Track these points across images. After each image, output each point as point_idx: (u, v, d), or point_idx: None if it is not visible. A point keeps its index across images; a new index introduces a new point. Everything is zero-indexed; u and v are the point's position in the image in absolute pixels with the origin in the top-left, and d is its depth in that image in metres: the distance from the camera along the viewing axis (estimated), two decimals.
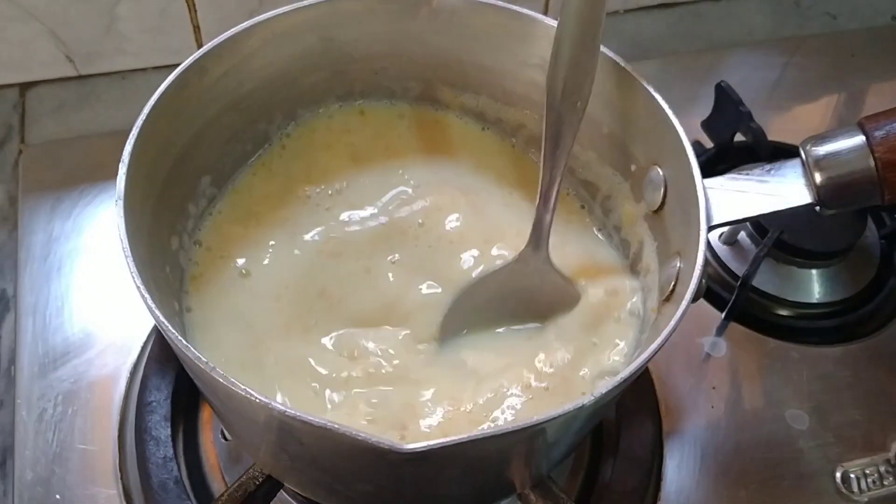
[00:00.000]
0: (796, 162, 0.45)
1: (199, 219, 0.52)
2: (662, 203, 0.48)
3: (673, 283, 0.45)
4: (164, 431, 0.56)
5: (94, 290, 0.64)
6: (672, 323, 0.40)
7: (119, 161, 0.66)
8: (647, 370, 0.62)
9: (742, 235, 0.69)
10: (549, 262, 0.49)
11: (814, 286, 0.68)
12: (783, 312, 0.67)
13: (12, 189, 0.71)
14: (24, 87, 0.77)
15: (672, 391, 0.63)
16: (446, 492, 0.43)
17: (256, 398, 0.36)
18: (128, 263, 0.40)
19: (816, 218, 0.65)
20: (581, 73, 0.47)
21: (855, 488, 0.59)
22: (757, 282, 0.66)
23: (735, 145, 0.74)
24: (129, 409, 0.59)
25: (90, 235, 0.67)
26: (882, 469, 0.60)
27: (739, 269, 0.67)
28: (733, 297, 0.65)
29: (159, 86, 0.46)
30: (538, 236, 0.49)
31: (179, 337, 0.38)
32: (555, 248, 0.50)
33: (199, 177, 0.51)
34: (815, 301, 0.67)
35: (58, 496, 0.55)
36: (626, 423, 0.59)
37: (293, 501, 0.55)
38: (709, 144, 0.75)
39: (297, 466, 0.43)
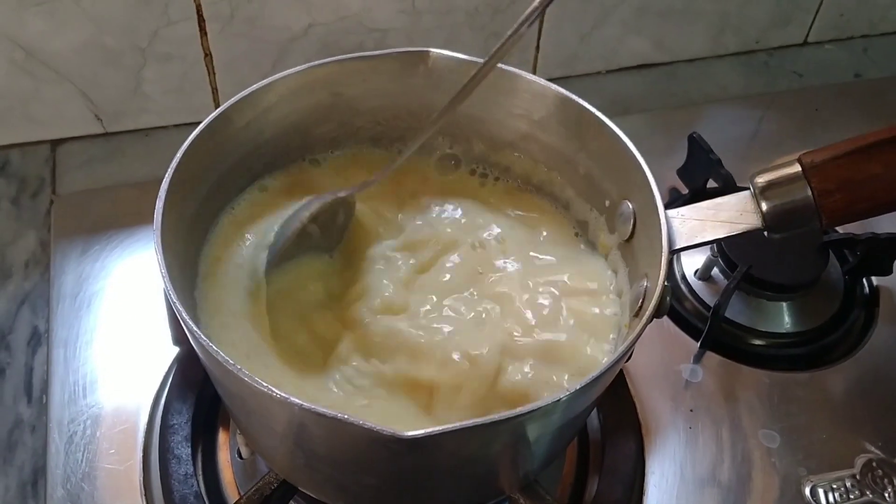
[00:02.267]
0: (746, 193, 0.51)
1: None
2: (632, 233, 0.54)
3: (641, 300, 0.51)
4: (185, 451, 0.62)
5: (121, 326, 0.70)
6: (637, 328, 0.46)
7: (142, 209, 0.74)
8: (629, 393, 0.67)
9: (715, 271, 0.75)
10: None
11: (783, 317, 0.73)
12: (755, 342, 0.73)
13: (44, 236, 0.77)
14: (56, 143, 0.83)
15: (653, 413, 0.68)
16: (441, 485, 0.48)
17: (277, 394, 0.41)
18: (165, 283, 0.46)
19: (783, 253, 0.72)
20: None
21: (823, 501, 0.64)
22: (730, 314, 0.72)
23: (708, 190, 0.81)
24: (153, 431, 0.64)
25: (117, 276, 0.73)
26: (848, 484, 0.65)
27: (713, 301, 0.72)
28: (707, 326, 0.70)
29: (181, 141, 0.52)
30: None
31: (211, 344, 0.43)
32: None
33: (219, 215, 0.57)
34: (784, 331, 0.73)
35: None
36: (610, 441, 0.64)
37: None
38: (684, 191, 0.81)
39: (309, 464, 0.48)
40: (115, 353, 0.68)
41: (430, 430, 0.40)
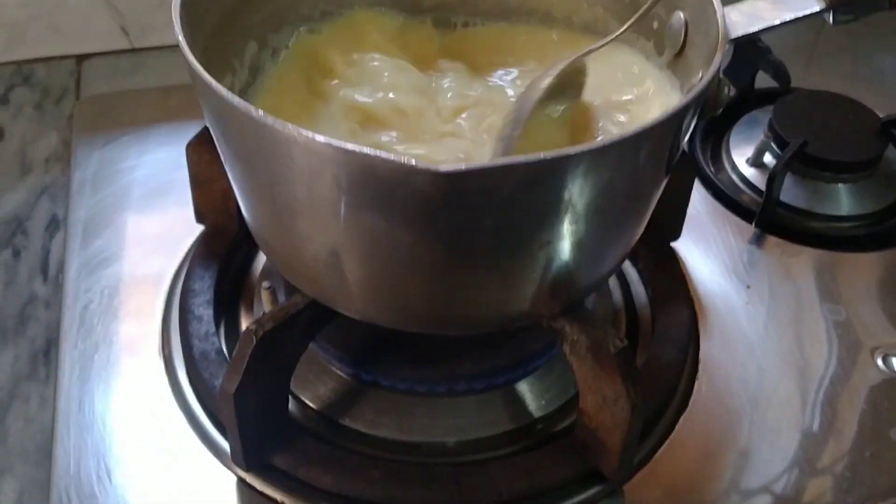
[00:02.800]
0: None
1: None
2: (683, 43, 0.51)
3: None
4: (206, 312, 0.58)
5: (142, 210, 0.67)
6: (699, 86, 0.41)
7: (167, 109, 0.71)
8: (679, 269, 0.63)
9: (767, 157, 0.71)
10: None
11: (842, 200, 0.69)
12: (814, 224, 0.68)
13: (67, 136, 0.75)
14: (81, 58, 0.82)
15: (706, 288, 0.63)
16: (480, 238, 0.42)
17: (302, 134, 0.37)
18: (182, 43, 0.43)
19: (838, 133, 0.68)
20: None
21: None
22: (787, 198, 0.68)
23: (756, 92, 0.77)
24: (174, 298, 0.60)
25: (139, 167, 0.70)
26: None
27: None
28: (762, 203, 0.66)
29: None
30: None
31: (225, 90, 0.40)
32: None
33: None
34: (844, 214, 0.68)
35: (101, 371, 0.56)
36: (661, 311, 0.60)
37: (331, 362, 0.55)
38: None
39: (339, 250, 0.43)
40: (135, 233, 0.65)
41: (468, 165, 0.36)
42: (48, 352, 0.59)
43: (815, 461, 0.54)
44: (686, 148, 0.62)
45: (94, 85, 0.79)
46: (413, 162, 0.36)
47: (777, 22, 0.47)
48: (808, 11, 0.47)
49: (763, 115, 0.74)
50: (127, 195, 0.68)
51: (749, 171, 0.71)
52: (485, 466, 0.50)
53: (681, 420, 0.55)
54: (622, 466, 0.50)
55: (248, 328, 0.46)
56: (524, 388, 0.55)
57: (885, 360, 0.59)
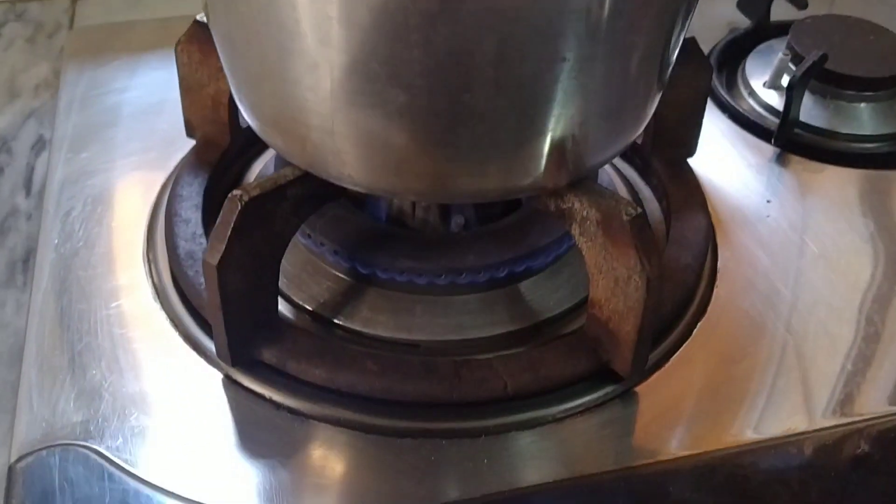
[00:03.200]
0: None
1: None
2: None
3: None
4: (194, 216, 0.54)
5: (130, 129, 0.64)
6: None
7: (163, 40, 0.68)
8: (695, 179, 0.59)
9: (785, 78, 0.68)
10: None
11: (864, 119, 0.65)
12: (836, 144, 0.65)
13: (58, 67, 0.72)
14: None
15: (724, 202, 0.60)
16: (483, 64, 0.39)
17: None
18: None
19: (858, 49, 0.65)
20: None
21: None
22: (808, 118, 0.65)
23: (772, 23, 0.74)
24: (161, 206, 0.57)
25: (130, 91, 0.67)
26: None
27: None
28: (782, 116, 0.63)
29: None
30: None
31: None
32: None
33: None
34: (868, 133, 0.65)
35: (80, 273, 0.53)
36: (675, 218, 0.56)
37: (325, 258, 0.52)
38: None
39: (334, 88, 0.40)
40: (123, 148, 0.62)
41: None
42: (27, 260, 0.56)
43: (837, 370, 0.50)
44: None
45: (88, 21, 0.77)
46: None
47: None
48: None
49: (779, 45, 0.71)
50: (117, 114, 0.65)
51: (767, 94, 0.68)
52: (487, 360, 0.47)
53: (698, 326, 0.52)
54: (636, 362, 0.47)
55: (232, 194, 0.43)
56: (531, 287, 0.52)
57: None
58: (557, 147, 0.43)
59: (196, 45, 0.56)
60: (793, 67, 0.67)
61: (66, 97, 0.66)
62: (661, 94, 0.47)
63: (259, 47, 0.41)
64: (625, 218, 0.43)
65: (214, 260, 0.43)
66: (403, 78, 0.38)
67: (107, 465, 0.43)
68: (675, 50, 0.45)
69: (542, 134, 0.42)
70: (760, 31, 0.74)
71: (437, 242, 0.51)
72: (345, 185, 0.44)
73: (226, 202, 0.43)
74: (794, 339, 0.51)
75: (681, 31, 0.44)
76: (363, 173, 0.43)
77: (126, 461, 0.43)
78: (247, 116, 0.47)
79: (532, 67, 0.38)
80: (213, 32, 0.46)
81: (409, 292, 0.50)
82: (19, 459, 0.43)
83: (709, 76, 0.59)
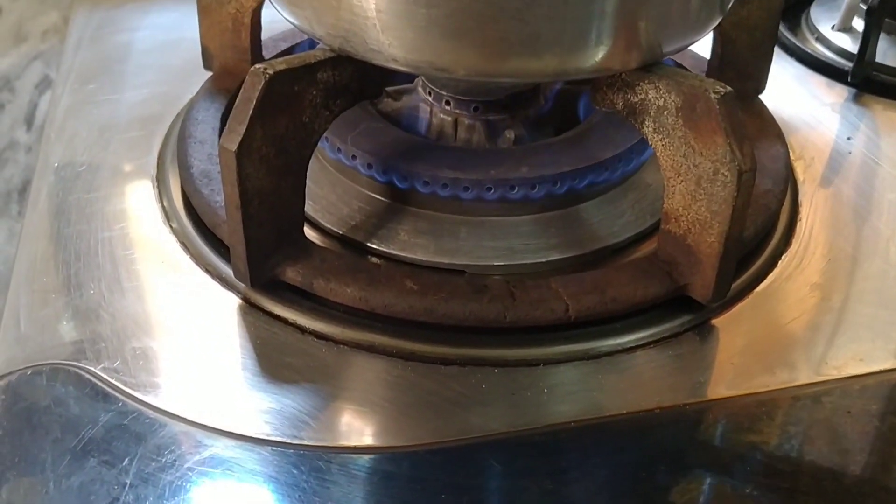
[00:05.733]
0: None
1: None
2: None
3: None
4: (211, 138, 0.49)
5: (142, 63, 0.59)
6: None
7: None
8: (767, 111, 0.53)
9: (856, 20, 0.62)
10: None
11: None
12: None
13: (67, 14, 0.67)
14: None
15: (802, 137, 0.54)
16: None
17: None
18: None
19: None
20: None
21: None
22: (881, 58, 0.59)
23: None
24: (173, 134, 0.52)
25: (140, 33, 0.62)
26: None
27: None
28: (857, 56, 0.57)
29: None
30: None
31: None
32: None
33: None
34: None
35: (80, 195, 0.47)
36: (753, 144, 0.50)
37: (360, 169, 0.46)
38: None
39: None
40: (134, 81, 0.57)
41: None
42: (23, 190, 0.50)
43: None
44: None
45: None
46: None
47: None
48: None
49: None
50: (128, 50, 0.60)
51: (837, 37, 0.62)
52: (546, 281, 0.40)
53: (783, 258, 0.45)
54: (718, 285, 0.40)
55: (254, 67, 0.37)
56: (591, 210, 0.45)
57: None
58: (628, 21, 0.37)
59: None
60: (863, 7, 0.61)
61: (75, 36, 0.61)
62: None
63: None
64: (713, 96, 0.36)
65: (233, 145, 0.37)
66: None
67: (103, 385, 0.36)
68: None
69: (612, 3, 0.36)
70: None
71: (485, 154, 0.45)
72: (383, 64, 0.38)
73: (247, 76, 0.37)
74: (875, 286, 0.44)
75: None
76: (404, 44, 0.37)
77: (126, 384, 0.37)
78: None
79: None
80: None
81: (452, 212, 0.44)
82: (1, 377, 0.36)
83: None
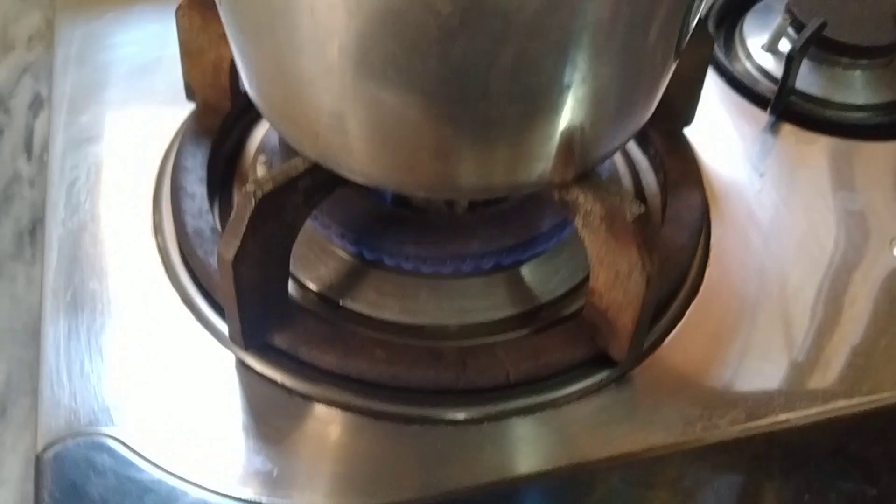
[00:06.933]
0: None
1: None
2: None
3: None
4: (199, 190, 0.55)
5: (129, 88, 0.63)
6: None
7: None
8: (691, 154, 0.61)
9: (783, 42, 0.68)
10: None
11: (858, 87, 0.66)
12: (830, 112, 0.66)
13: (50, 16, 0.71)
14: None
15: (718, 175, 0.61)
16: (496, 76, 0.40)
17: None
18: None
19: (859, 15, 0.65)
20: None
21: None
22: (802, 85, 0.66)
23: None
24: (164, 175, 0.58)
25: (125, 45, 0.66)
26: None
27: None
28: (778, 87, 0.63)
29: None
30: None
31: None
32: None
33: None
34: (861, 103, 0.66)
35: (89, 249, 0.53)
36: (672, 194, 0.58)
37: (333, 241, 0.53)
38: None
39: (346, 85, 0.41)
40: (122, 111, 0.62)
41: None
42: (33, 230, 0.57)
43: (827, 350, 0.52)
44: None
45: None
46: None
47: None
48: None
49: (778, 3, 0.70)
50: (114, 72, 0.64)
51: (764, 58, 0.68)
52: (491, 348, 0.49)
53: (691, 306, 0.54)
54: (632, 349, 0.49)
55: (245, 190, 0.43)
56: (531, 271, 0.53)
57: None
58: (565, 143, 0.43)
59: (197, 11, 0.55)
60: (791, 32, 0.67)
61: (62, 55, 0.65)
62: (668, 79, 0.47)
63: (272, 46, 0.41)
64: (628, 217, 0.44)
65: (230, 255, 0.44)
66: (416, 84, 0.39)
67: (129, 454, 0.45)
68: (685, 37, 0.46)
69: (551, 132, 0.43)
70: None
71: (441, 226, 0.52)
72: (353, 180, 0.45)
73: (240, 198, 0.44)
74: (784, 318, 0.53)
75: (693, 20, 0.45)
76: (372, 169, 0.44)
77: (145, 450, 0.45)
78: (259, 108, 0.47)
79: (545, 77, 0.39)
80: (225, 23, 0.45)
81: (413, 276, 0.52)
82: (45, 449, 0.45)
83: (710, 49, 0.59)
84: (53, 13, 0.70)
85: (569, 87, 0.40)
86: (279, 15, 0.39)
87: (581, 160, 0.45)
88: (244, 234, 0.44)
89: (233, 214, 0.44)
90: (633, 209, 0.44)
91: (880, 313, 0.54)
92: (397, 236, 0.51)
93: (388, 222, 0.52)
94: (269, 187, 0.44)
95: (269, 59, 0.43)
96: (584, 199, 0.46)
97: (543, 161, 0.44)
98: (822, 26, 0.64)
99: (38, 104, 0.64)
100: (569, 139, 0.43)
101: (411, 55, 0.38)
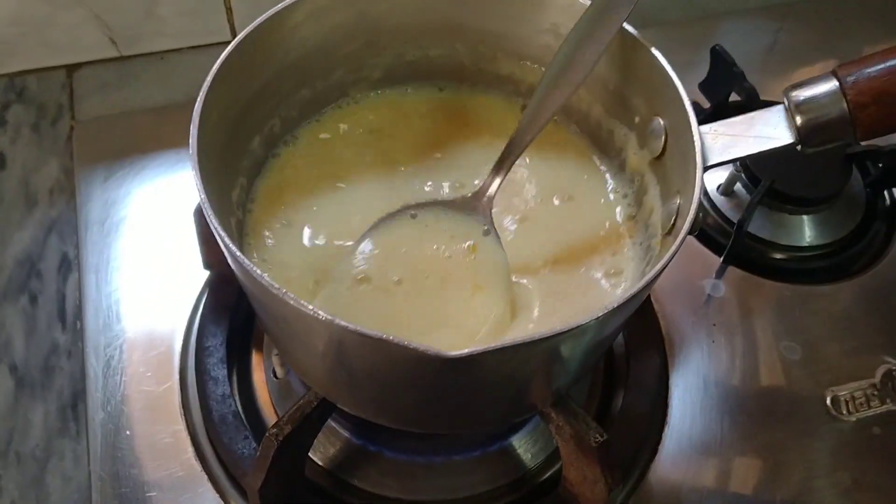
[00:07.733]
0: (780, 108, 0.51)
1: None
2: (663, 150, 0.54)
3: (673, 218, 0.51)
4: (221, 372, 0.63)
5: (150, 250, 0.71)
6: (674, 247, 0.46)
7: (161, 134, 0.74)
8: (652, 310, 0.68)
9: (738, 186, 0.75)
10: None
11: (805, 231, 0.74)
12: (777, 256, 0.73)
13: (67, 163, 0.77)
14: (71, 68, 0.82)
15: (676, 328, 0.69)
16: (480, 401, 0.49)
17: (323, 316, 0.42)
18: (205, 209, 0.46)
19: (805, 167, 0.72)
20: (594, 49, 0.53)
21: (844, 410, 0.66)
22: (752, 228, 0.73)
23: (731, 104, 0.80)
24: (188, 353, 0.65)
25: (142, 201, 0.73)
26: (868, 392, 0.67)
27: (736, 217, 0.72)
28: (730, 241, 0.71)
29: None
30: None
31: (255, 269, 0.44)
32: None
33: (251, 138, 0.57)
34: (806, 245, 0.74)
35: (128, 432, 0.62)
36: (635, 356, 0.66)
37: (341, 430, 0.62)
38: (706, 105, 0.81)
39: (350, 382, 0.49)
40: (146, 278, 0.69)
41: (473, 349, 0.41)
42: (76, 405, 0.64)
43: (775, 500, 0.61)
44: None
45: (87, 100, 0.81)
46: (422, 348, 0.41)
47: (753, 152, 0.51)
48: (780, 144, 0.50)
49: None
50: (135, 234, 0.71)
51: (719, 199, 0.76)
52: None
53: (650, 469, 0.63)
54: None
55: (268, 434, 0.52)
56: (515, 443, 0.62)
57: (833, 401, 0.66)
58: (541, 393, 0.52)
59: None
60: (744, 178, 0.74)
61: (84, 220, 0.72)
62: None
63: (289, 341, 0.49)
64: (593, 444, 0.52)
65: (257, 485, 0.52)
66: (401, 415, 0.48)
67: None
68: None
69: (529, 398, 0.52)
70: (719, 114, 0.79)
71: None
72: (358, 415, 0.53)
73: (264, 440, 0.52)
74: (732, 477, 0.62)
75: None
76: (375, 414, 0.53)
77: None
78: (273, 343, 0.55)
79: (524, 388, 0.47)
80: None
81: (411, 462, 0.60)
82: None
83: None
84: (69, 160, 0.77)
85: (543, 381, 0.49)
86: (282, 322, 0.47)
87: (556, 394, 0.54)
88: (268, 469, 0.52)
89: (259, 453, 0.53)
90: (595, 438, 0.52)
91: (818, 465, 0.63)
92: (397, 433, 0.59)
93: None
94: (288, 429, 0.52)
95: (286, 343, 0.52)
96: (556, 417, 0.54)
97: (526, 404, 0.53)
98: (773, 183, 0.71)
99: (66, 267, 0.71)
100: (543, 391, 0.51)
101: (405, 383, 0.47)
